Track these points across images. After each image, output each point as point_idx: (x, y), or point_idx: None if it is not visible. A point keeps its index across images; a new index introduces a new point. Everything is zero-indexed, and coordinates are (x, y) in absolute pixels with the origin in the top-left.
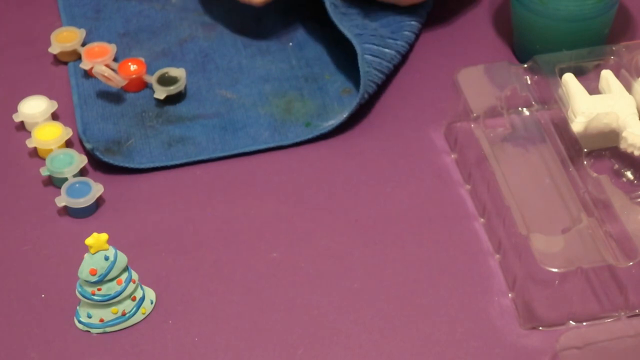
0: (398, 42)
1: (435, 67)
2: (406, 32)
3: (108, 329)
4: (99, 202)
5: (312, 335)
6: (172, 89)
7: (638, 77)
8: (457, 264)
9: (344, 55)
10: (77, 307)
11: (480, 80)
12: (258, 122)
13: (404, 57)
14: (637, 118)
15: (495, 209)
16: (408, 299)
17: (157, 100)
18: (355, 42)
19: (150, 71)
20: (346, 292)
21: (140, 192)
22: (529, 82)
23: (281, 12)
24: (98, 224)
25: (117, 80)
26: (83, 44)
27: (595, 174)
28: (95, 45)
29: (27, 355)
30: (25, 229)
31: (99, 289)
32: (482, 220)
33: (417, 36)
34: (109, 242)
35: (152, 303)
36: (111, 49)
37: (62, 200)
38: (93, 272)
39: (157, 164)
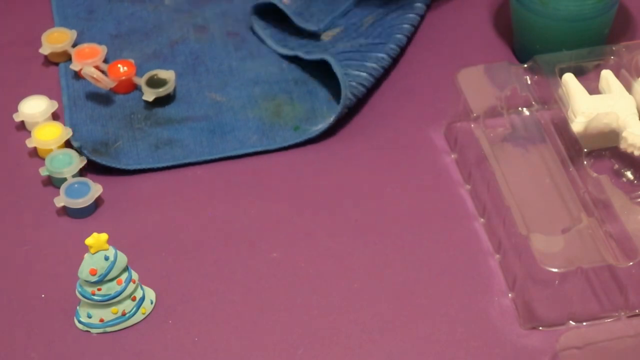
0: (387, 46)
1: (436, 67)
2: (397, 35)
3: (108, 329)
4: (97, 203)
5: (312, 335)
6: (161, 91)
7: (638, 77)
8: (457, 264)
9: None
10: (77, 307)
11: (480, 80)
12: (247, 126)
13: (404, 58)
14: (637, 118)
15: (495, 209)
16: (408, 299)
17: (146, 102)
18: (333, 61)
19: (141, 73)
20: (346, 292)
21: (139, 192)
22: (529, 82)
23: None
24: (97, 224)
25: (105, 82)
26: (74, 45)
27: (595, 174)
28: (86, 47)
29: (27, 356)
30: (25, 229)
31: (99, 289)
32: (482, 220)
33: (415, 30)
34: (109, 242)
35: (152, 303)
36: (101, 50)
37: (61, 201)
38: (93, 272)
39: (143, 166)
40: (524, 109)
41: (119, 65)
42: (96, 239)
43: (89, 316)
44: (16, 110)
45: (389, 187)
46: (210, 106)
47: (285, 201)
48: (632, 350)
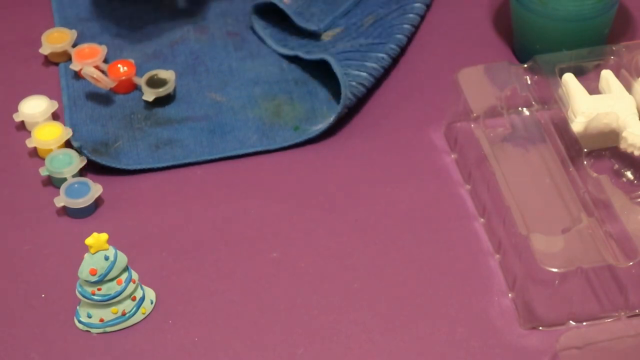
0: (387, 46)
1: (435, 67)
2: (398, 35)
3: (108, 329)
4: (97, 203)
5: (312, 335)
6: (161, 91)
7: (638, 77)
8: (457, 264)
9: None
10: (77, 307)
11: (480, 80)
12: (246, 126)
13: (404, 58)
14: (637, 118)
15: (495, 209)
16: (408, 299)
17: (146, 102)
18: (333, 61)
19: (141, 73)
20: (346, 292)
21: (139, 192)
22: (529, 82)
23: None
24: (97, 224)
25: (105, 82)
26: (74, 45)
27: (595, 174)
28: (86, 47)
29: (28, 356)
30: (25, 229)
31: (99, 289)
32: (482, 220)
33: (415, 30)
34: (109, 242)
35: (152, 303)
36: (101, 50)
37: (61, 201)
38: (93, 272)
39: (144, 166)
40: (524, 109)
41: (119, 65)
42: (96, 239)
43: (89, 316)
44: (16, 110)
45: (389, 187)
46: (210, 106)
47: (285, 201)
48: (632, 350)
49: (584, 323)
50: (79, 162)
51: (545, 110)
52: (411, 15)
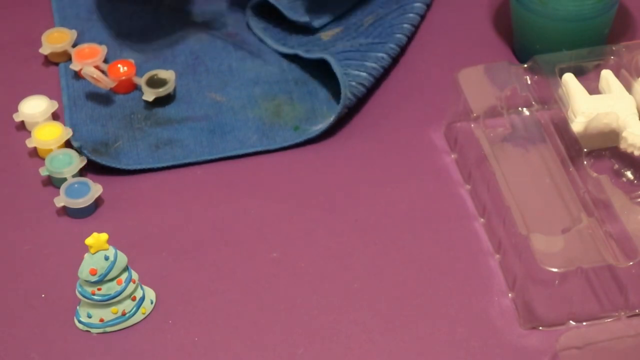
0: (387, 45)
1: (435, 67)
2: (397, 35)
3: (108, 329)
4: (98, 203)
5: (312, 335)
6: (161, 91)
7: (638, 77)
8: (457, 264)
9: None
10: (77, 307)
11: (480, 80)
12: (246, 126)
13: (404, 58)
14: (637, 118)
15: (495, 209)
16: (408, 299)
17: (146, 102)
18: (333, 61)
19: (141, 73)
20: (346, 292)
21: (139, 192)
22: (529, 82)
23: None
24: (97, 224)
25: (105, 82)
26: (74, 45)
27: (595, 174)
28: (86, 47)
29: (28, 356)
30: (25, 229)
31: (99, 289)
32: (482, 220)
33: (415, 30)
34: (109, 242)
35: (152, 303)
36: (101, 50)
37: (61, 201)
38: (93, 272)
39: (144, 166)
40: (524, 109)
41: (119, 65)
42: (96, 239)
43: (89, 316)
44: (16, 110)
45: (389, 187)
46: (210, 106)
47: (285, 201)
48: (632, 350)
49: (584, 323)
50: (79, 162)
51: (545, 110)
52: (411, 15)
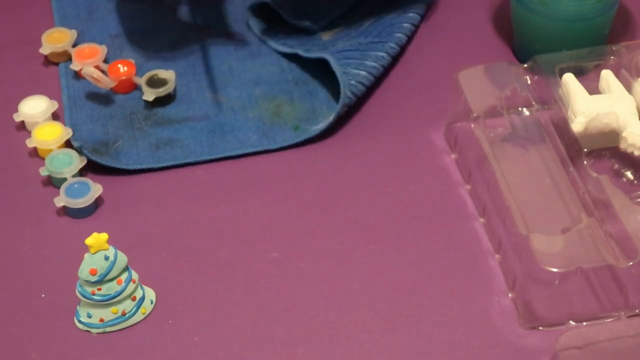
0: (387, 44)
1: (436, 67)
2: (397, 34)
3: (108, 329)
4: (98, 203)
5: (312, 335)
6: (161, 91)
7: (638, 77)
8: (457, 264)
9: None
10: (77, 307)
11: (480, 80)
12: (246, 126)
13: (404, 57)
14: (637, 118)
15: (495, 209)
16: (408, 299)
17: (146, 102)
18: (332, 60)
19: (141, 73)
20: (346, 292)
21: (139, 192)
22: (529, 82)
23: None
24: (97, 224)
25: (105, 82)
26: (74, 45)
27: (595, 174)
28: (86, 47)
29: (27, 355)
30: (25, 229)
31: (99, 289)
32: (482, 220)
33: (416, 29)
34: (109, 242)
35: (152, 303)
36: (101, 50)
37: (61, 201)
38: (93, 272)
39: (144, 166)
40: (524, 109)
41: (119, 65)
42: (96, 239)
43: (89, 316)
44: (16, 110)
45: (389, 187)
46: (210, 106)
47: (285, 201)
48: (632, 350)
49: (584, 323)
50: (79, 162)
51: (545, 110)
52: (411, 15)
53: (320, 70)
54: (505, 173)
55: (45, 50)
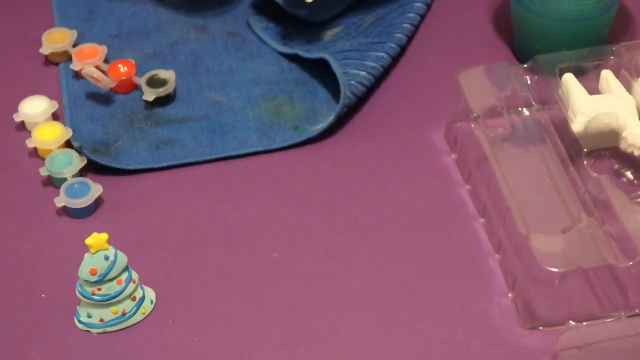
0: (387, 45)
1: (435, 67)
2: (397, 35)
3: (108, 329)
4: (98, 203)
5: (312, 335)
6: (161, 91)
7: (638, 77)
8: (457, 264)
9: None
10: (77, 307)
11: (480, 80)
12: (246, 126)
13: (404, 57)
14: (637, 118)
15: (495, 209)
16: (408, 299)
17: (146, 102)
18: (332, 60)
19: (141, 73)
20: (346, 292)
21: (139, 192)
22: (529, 82)
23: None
24: (97, 224)
25: (106, 82)
26: (74, 45)
27: (595, 174)
28: (86, 47)
29: (28, 355)
30: (25, 229)
31: (99, 289)
32: (482, 220)
33: (415, 29)
34: (109, 242)
35: (152, 303)
36: (101, 50)
37: (61, 201)
38: (93, 272)
39: (144, 166)
40: (524, 109)
41: (119, 65)
42: (96, 239)
43: (89, 316)
44: (16, 110)
45: (389, 187)
46: (210, 106)
47: (285, 201)
48: (632, 350)
49: (584, 323)
50: (79, 162)
51: (545, 110)
52: (411, 15)
53: (320, 70)
54: (505, 173)
55: (45, 50)
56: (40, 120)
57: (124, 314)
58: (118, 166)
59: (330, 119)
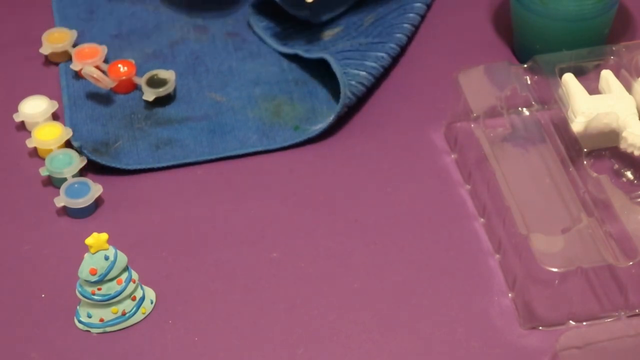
0: (387, 45)
1: (436, 67)
2: (398, 35)
3: (108, 329)
4: (98, 203)
5: (312, 335)
6: (161, 91)
7: (638, 77)
8: (457, 264)
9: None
10: (77, 307)
11: (480, 80)
12: (246, 126)
13: (404, 57)
14: (637, 118)
15: (495, 209)
16: (408, 299)
17: (146, 102)
18: (332, 60)
19: (141, 73)
20: (346, 292)
21: (139, 192)
22: (529, 82)
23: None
24: (97, 224)
25: (106, 82)
26: (74, 45)
27: (595, 174)
28: (86, 47)
29: (28, 355)
30: (25, 229)
31: (99, 289)
32: (482, 220)
33: (416, 30)
34: (109, 242)
35: (152, 303)
36: (101, 50)
37: (61, 201)
38: (93, 272)
39: (144, 166)
40: (524, 109)
41: (119, 65)
42: (96, 239)
43: (89, 316)
44: (16, 110)
45: (389, 187)
46: (210, 106)
47: (285, 201)
48: (632, 350)
49: (584, 323)
50: (79, 162)
51: (545, 110)
52: (411, 15)
53: (320, 70)
54: (505, 173)
55: (45, 50)
56: (40, 120)
57: (124, 314)
58: (118, 166)
59: (330, 119)
